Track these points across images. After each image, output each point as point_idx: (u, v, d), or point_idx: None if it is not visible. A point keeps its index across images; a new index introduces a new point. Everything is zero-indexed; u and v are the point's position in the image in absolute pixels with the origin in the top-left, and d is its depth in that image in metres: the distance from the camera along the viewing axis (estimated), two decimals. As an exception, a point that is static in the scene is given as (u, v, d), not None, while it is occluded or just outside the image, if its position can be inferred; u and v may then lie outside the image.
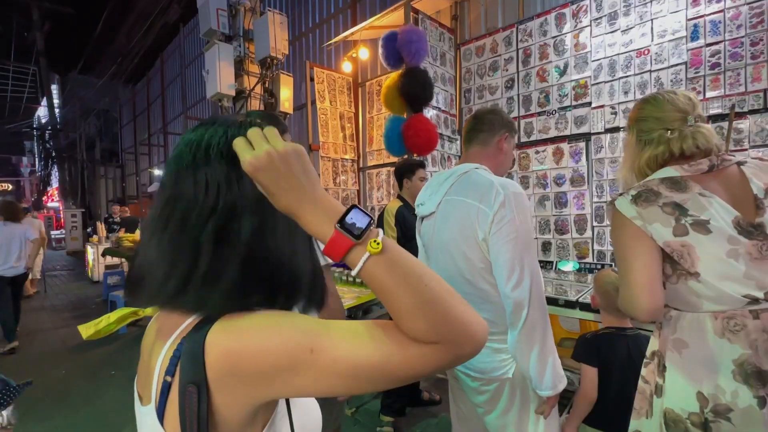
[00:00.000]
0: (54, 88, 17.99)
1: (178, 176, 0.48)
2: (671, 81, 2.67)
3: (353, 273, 0.43)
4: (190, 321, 0.46)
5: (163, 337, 0.47)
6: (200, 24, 4.11)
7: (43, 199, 20.23)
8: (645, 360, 1.02)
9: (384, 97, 3.20)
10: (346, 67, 4.73)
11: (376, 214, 4.74)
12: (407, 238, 2.27)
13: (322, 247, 0.43)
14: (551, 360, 1.05)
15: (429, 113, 3.39)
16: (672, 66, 2.67)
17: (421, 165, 2.45)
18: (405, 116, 3.13)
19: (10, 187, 23.46)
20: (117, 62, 12.77)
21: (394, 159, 4.10)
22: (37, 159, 23.57)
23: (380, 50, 3.14)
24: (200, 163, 0.47)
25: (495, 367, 1.10)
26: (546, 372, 1.03)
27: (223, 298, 0.45)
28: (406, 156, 3.16)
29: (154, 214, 0.49)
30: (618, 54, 2.90)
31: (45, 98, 16.69)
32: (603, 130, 2.98)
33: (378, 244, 0.41)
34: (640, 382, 1.02)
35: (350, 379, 0.41)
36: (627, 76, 2.86)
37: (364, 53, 4.51)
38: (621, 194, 0.96)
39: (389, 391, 2.18)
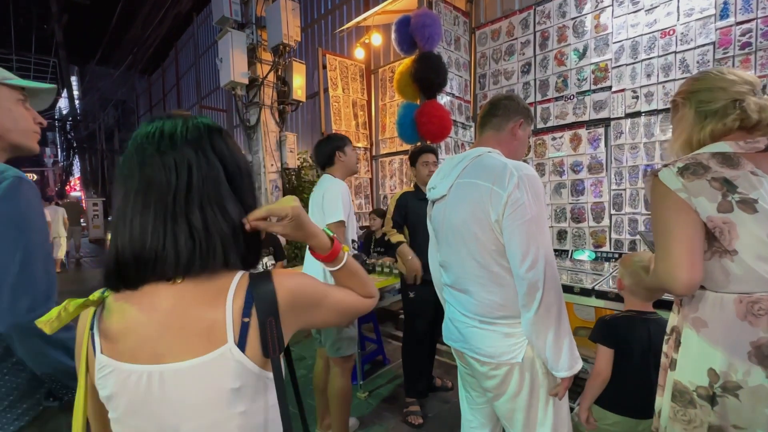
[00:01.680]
0: (73, 80, 18.38)
1: (143, 164, 0.55)
2: (697, 62, 2.56)
3: (338, 267, 0.68)
4: (238, 279, 0.57)
5: (209, 298, 0.55)
6: (213, 12, 4.12)
7: (66, 188, 20.88)
8: (666, 336, 1.02)
9: (397, 84, 3.16)
10: (359, 53, 4.68)
11: (389, 202, 4.73)
12: (407, 223, 2.38)
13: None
14: (567, 341, 1.04)
15: (442, 99, 3.34)
16: (699, 47, 2.55)
17: (426, 150, 2.40)
18: (418, 103, 3.09)
19: (35, 177, 24.22)
20: (132, 53, 12.92)
21: (407, 147, 4.07)
22: (59, 150, 24.25)
23: (393, 35, 3.09)
24: (166, 150, 0.55)
25: (504, 351, 1.10)
26: (562, 353, 1.03)
27: (248, 256, 0.62)
28: (419, 143, 3.14)
29: (126, 200, 0.55)
30: (641, 35, 2.79)
31: (65, 89, 17.05)
32: (623, 115, 2.89)
33: (348, 249, 0.71)
34: (663, 358, 1.02)
35: (340, 315, 0.68)
36: (650, 58, 2.75)
37: (376, 39, 4.45)
38: (666, 165, 0.93)
39: (412, 373, 2.35)
